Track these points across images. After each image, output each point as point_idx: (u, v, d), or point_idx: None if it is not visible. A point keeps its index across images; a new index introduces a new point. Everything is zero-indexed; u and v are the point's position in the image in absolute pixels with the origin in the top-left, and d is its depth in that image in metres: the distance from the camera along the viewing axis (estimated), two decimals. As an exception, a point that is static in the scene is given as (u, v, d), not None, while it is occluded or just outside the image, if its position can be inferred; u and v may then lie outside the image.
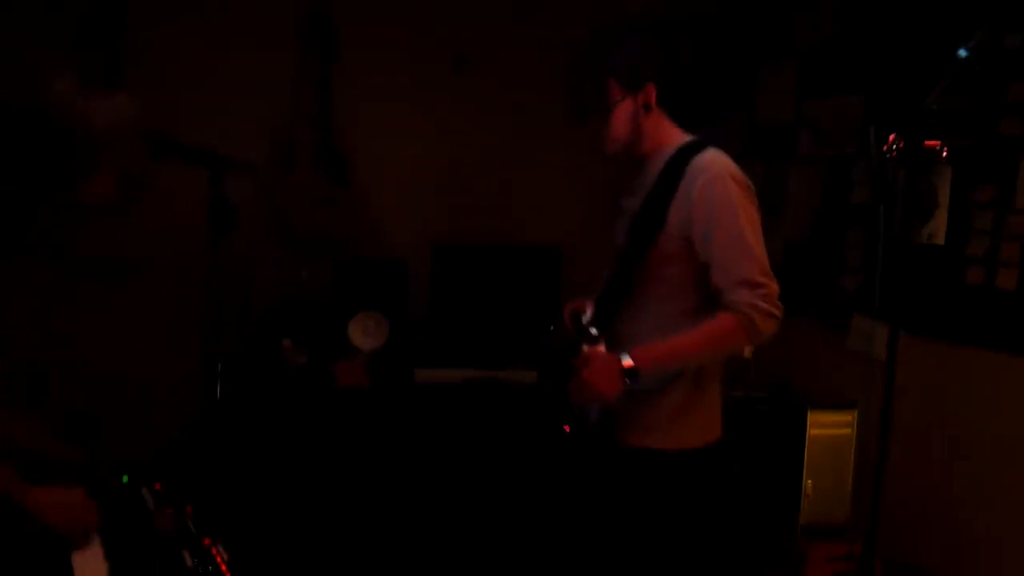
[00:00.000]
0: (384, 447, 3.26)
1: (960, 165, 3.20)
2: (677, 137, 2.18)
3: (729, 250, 2.00)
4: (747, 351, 3.55)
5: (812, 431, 3.29)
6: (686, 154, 2.09)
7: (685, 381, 2.15)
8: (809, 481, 3.28)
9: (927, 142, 1.72)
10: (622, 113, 2.10)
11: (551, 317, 3.74)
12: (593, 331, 2.11)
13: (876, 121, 1.84)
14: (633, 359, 2.00)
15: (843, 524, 3.30)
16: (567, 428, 2.20)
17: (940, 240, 3.27)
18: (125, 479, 1.92)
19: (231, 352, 2.84)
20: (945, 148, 1.65)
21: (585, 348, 2.10)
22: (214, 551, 1.57)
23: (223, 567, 1.50)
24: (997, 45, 3.01)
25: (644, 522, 2.19)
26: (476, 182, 4.12)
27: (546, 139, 4.24)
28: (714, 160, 2.05)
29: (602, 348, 2.10)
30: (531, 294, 3.75)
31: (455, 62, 4.05)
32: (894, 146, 1.75)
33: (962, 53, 1.56)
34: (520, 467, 3.33)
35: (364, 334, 3.41)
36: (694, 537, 2.21)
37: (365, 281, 3.48)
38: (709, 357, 2.11)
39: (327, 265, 3.57)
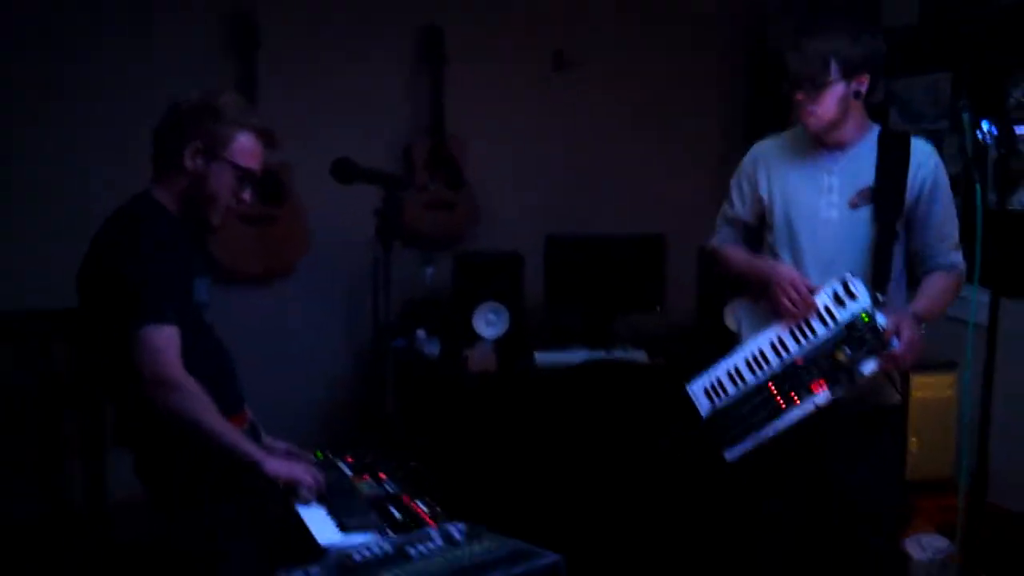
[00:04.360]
0: (514, 424, 3.56)
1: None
2: (871, 124, 2.42)
3: (949, 219, 2.34)
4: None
5: (915, 393, 3.45)
6: (900, 138, 2.36)
7: None
8: (914, 439, 3.46)
9: (1016, 127, 1.92)
10: (834, 94, 2.26)
11: (657, 298, 3.99)
12: (880, 297, 2.25)
13: (968, 104, 2.03)
14: (919, 315, 2.25)
15: (948, 478, 3.47)
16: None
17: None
18: (319, 455, 2.26)
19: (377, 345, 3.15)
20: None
21: (888, 315, 2.21)
22: (414, 506, 1.88)
23: (426, 518, 1.80)
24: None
25: (879, 470, 2.41)
26: (582, 175, 4.38)
27: (645, 132, 4.48)
28: (931, 145, 2.38)
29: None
30: (638, 279, 3.99)
31: (555, 61, 4.30)
32: (988, 133, 1.96)
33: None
34: (640, 439, 3.59)
35: (487, 323, 3.71)
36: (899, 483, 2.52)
37: (485, 274, 3.76)
38: (944, 313, 2.37)
39: (449, 261, 3.87)
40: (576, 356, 3.69)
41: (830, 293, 2.27)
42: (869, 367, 2.18)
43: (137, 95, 3.38)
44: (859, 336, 2.19)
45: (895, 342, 2.16)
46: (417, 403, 3.51)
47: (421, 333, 3.77)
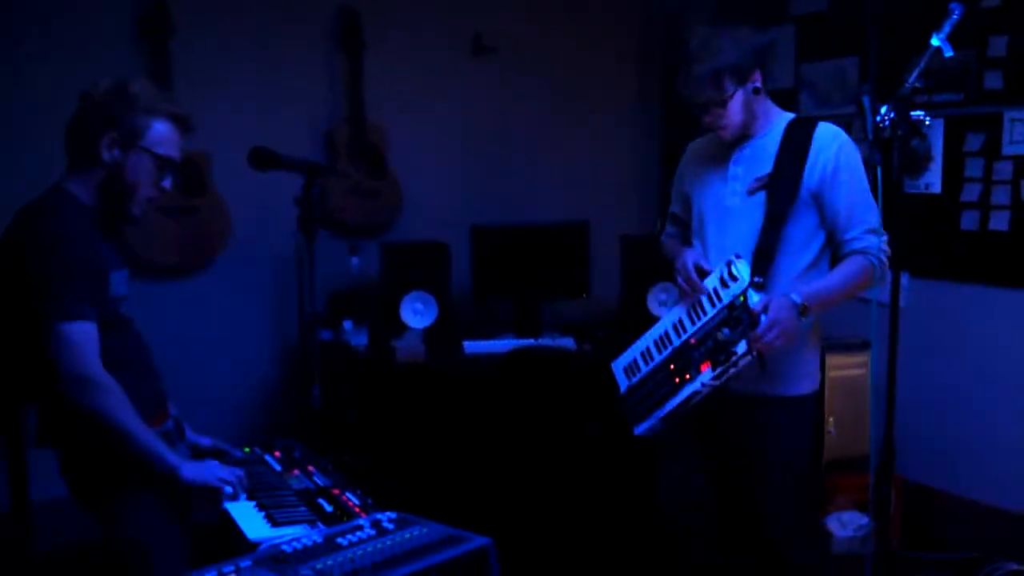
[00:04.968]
0: (444, 413, 3.57)
1: (950, 118, 3.49)
2: (781, 112, 2.46)
3: (859, 203, 2.33)
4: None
5: (831, 373, 3.57)
6: (805, 125, 2.38)
7: (812, 329, 2.41)
8: (831, 419, 3.58)
9: (912, 112, 2.00)
10: (736, 103, 2.33)
11: (583, 286, 4.04)
12: (758, 279, 2.26)
13: (870, 89, 2.11)
14: (801, 298, 2.24)
15: (865, 457, 3.59)
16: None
17: (937, 189, 3.57)
18: (247, 450, 2.24)
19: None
20: (927, 118, 1.95)
21: (757, 295, 2.22)
22: (344, 498, 1.88)
23: (356, 509, 1.81)
24: (974, 6, 3.29)
25: (784, 462, 2.44)
26: (504, 162, 4.41)
27: (566, 119, 4.53)
28: (838, 130, 2.39)
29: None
30: (563, 266, 4.04)
31: (474, 46, 4.30)
32: (886, 117, 2.04)
33: (935, 42, 1.87)
34: (572, 424, 3.64)
35: (414, 313, 3.71)
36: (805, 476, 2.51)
37: (411, 263, 3.75)
38: (848, 297, 2.36)
39: (374, 251, 3.86)
40: (504, 344, 3.73)
41: (717, 275, 2.33)
42: (741, 347, 2.19)
43: (47, 86, 3.29)
44: (736, 316, 2.23)
45: (763, 321, 2.18)
46: (345, 395, 3.49)
47: (348, 324, 3.76)
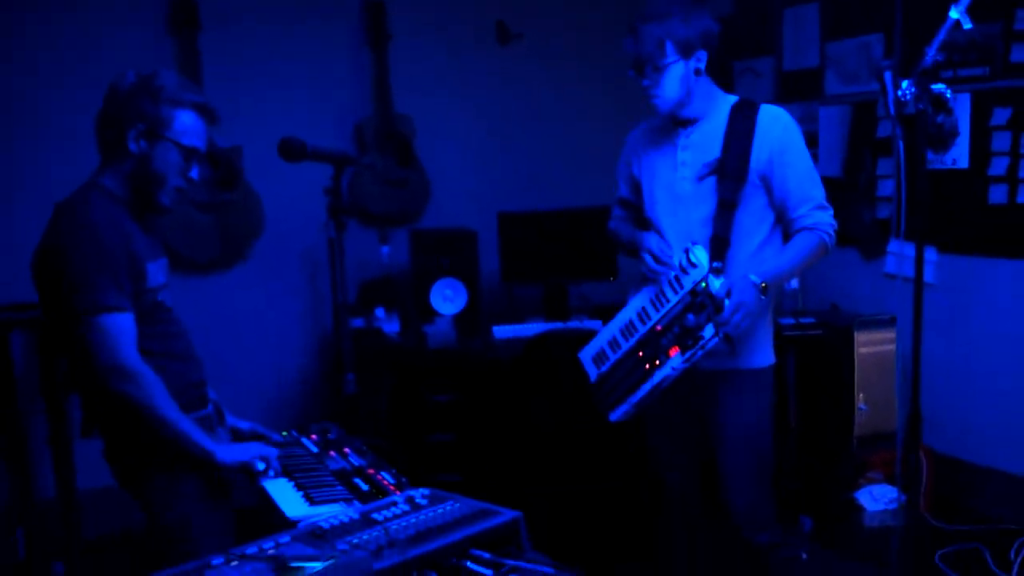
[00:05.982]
0: (475, 397, 3.63)
1: (977, 92, 3.47)
2: (725, 96, 2.48)
3: (806, 181, 2.40)
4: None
5: (860, 350, 3.59)
6: (748, 108, 2.42)
7: (770, 305, 2.47)
8: (861, 395, 3.60)
9: (934, 86, 2.01)
10: (674, 74, 2.36)
11: (611, 268, 4.07)
12: (717, 264, 2.33)
13: (892, 65, 2.11)
14: (761, 278, 2.30)
15: (895, 431, 3.61)
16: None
17: (964, 164, 3.55)
18: (285, 433, 2.31)
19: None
20: (950, 92, 1.95)
21: (718, 280, 2.26)
22: (379, 477, 1.94)
23: (391, 487, 1.87)
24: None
25: (746, 433, 2.50)
26: (530, 148, 4.46)
27: (589, 104, 4.55)
28: (780, 111, 2.44)
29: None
30: (591, 250, 4.06)
31: (499, 34, 4.34)
32: (907, 92, 2.05)
33: (953, 14, 1.87)
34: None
35: (444, 299, 3.77)
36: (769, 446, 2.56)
37: (440, 250, 3.81)
38: (800, 272, 2.47)
39: (403, 240, 3.92)
40: (533, 328, 3.76)
41: (676, 262, 2.37)
42: (708, 331, 2.25)
43: (81, 82, 3.36)
44: (700, 302, 2.27)
45: (728, 305, 2.24)
46: (378, 381, 3.57)
47: (380, 311, 3.83)
